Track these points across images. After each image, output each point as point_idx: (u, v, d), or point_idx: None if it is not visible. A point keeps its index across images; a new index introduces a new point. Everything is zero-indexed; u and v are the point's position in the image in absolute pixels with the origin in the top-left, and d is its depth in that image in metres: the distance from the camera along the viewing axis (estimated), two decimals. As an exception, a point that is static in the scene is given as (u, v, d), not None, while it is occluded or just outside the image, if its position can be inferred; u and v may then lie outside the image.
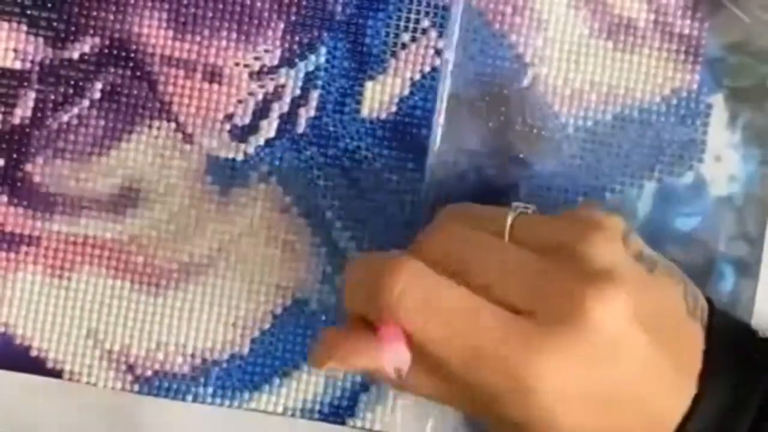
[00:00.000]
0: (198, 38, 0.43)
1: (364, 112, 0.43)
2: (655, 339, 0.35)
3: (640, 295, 0.35)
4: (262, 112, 0.43)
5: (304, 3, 0.43)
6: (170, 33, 0.43)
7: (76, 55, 0.43)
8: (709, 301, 0.38)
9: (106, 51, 0.43)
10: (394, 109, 0.43)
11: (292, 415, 0.43)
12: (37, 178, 0.43)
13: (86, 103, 0.43)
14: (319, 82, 0.43)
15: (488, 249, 0.36)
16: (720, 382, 0.36)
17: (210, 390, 0.43)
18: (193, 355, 0.43)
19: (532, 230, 0.37)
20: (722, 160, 0.42)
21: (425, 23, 0.43)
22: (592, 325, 0.34)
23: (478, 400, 0.36)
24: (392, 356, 0.35)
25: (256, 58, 0.43)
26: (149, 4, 0.43)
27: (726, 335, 0.37)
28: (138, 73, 0.43)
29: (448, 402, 0.38)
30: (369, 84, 0.43)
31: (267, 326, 0.42)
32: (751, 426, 0.36)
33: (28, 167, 0.43)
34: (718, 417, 0.36)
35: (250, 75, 0.43)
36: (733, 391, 0.36)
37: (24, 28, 0.42)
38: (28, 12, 0.42)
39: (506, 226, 0.37)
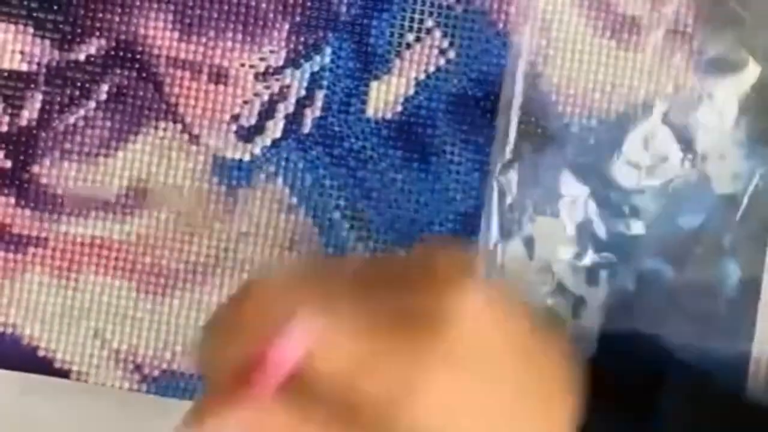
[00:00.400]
0: (204, 39, 0.43)
1: (370, 111, 0.43)
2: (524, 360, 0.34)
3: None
4: (267, 112, 0.43)
5: (308, 4, 0.43)
6: (176, 34, 0.43)
7: (82, 57, 0.43)
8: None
9: (112, 53, 0.43)
10: (399, 108, 0.43)
11: (299, 414, 0.43)
12: (44, 180, 0.43)
13: (92, 104, 0.43)
14: (325, 83, 0.43)
15: None
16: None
17: (217, 389, 0.43)
18: (200, 355, 0.43)
19: None
20: (726, 159, 0.43)
21: (429, 23, 0.43)
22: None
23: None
24: None
25: (262, 59, 0.43)
26: (155, 5, 0.43)
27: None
28: (144, 75, 0.43)
29: None
30: (374, 84, 0.43)
31: (274, 325, 0.43)
32: None
33: (35, 169, 0.43)
34: None
35: (256, 76, 0.43)
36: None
37: (30, 30, 0.43)
38: (35, 14, 0.43)
39: None
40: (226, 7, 0.43)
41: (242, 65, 0.43)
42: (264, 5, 0.43)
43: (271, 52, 0.43)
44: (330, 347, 0.32)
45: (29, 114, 0.43)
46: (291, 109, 0.43)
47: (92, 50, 0.43)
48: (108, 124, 0.43)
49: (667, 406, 0.36)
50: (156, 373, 0.43)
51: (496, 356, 0.33)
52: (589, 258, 0.43)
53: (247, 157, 0.43)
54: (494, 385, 0.33)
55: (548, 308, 0.41)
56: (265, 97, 0.43)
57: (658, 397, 0.36)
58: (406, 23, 0.43)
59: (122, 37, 0.43)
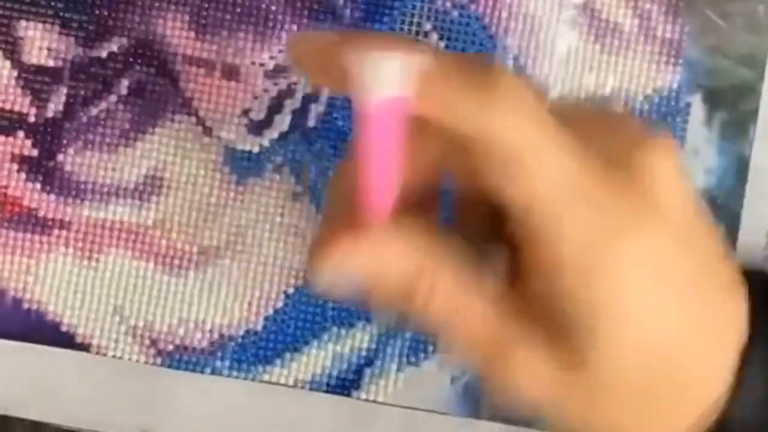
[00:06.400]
0: (217, 39, 0.45)
1: (371, 108, 0.45)
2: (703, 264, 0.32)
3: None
4: (276, 107, 0.45)
5: (315, 7, 0.45)
6: (192, 34, 0.45)
7: (104, 54, 0.45)
8: None
9: (133, 50, 0.45)
10: (397, 105, 0.45)
11: (302, 388, 0.45)
12: (68, 167, 0.45)
13: (114, 98, 0.45)
14: (329, 80, 0.45)
15: None
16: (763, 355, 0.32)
17: (227, 363, 0.45)
18: (211, 331, 0.45)
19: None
20: (699, 155, 0.45)
21: (427, 26, 0.45)
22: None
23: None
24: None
25: (271, 58, 0.45)
26: (173, 7, 0.45)
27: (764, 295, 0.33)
28: (162, 71, 0.45)
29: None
30: (375, 82, 0.45)
31: (280, 305, 0.45)
32: None
33: (60, 157, 0.45)
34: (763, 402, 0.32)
35: (265, 73, 0.45)
36: None
37: (57, 28, 0.45)
38: (61, 14, 0.45)
39: None
40: (238, 10, 0.45)
41: (253, 63, 0.45)
42: (274, 8, 0.45)
43: (280, 51, 0.45)
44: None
45: (55, 106, 0.45)
46: (297, 104, 0.45)
47: (114, 48, 0.45)
48: (128, 116, 0.45)
49: None
50: (170, 347, 0.45)
51: (691, 225, 0.32)
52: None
53: (256, 149, 0.45)
54: (688, 253, 0.32)
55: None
56: (274, 93, 0.45)
57: None
58: (406, 26, 0.45)
59: (142, 36, 0.45)
